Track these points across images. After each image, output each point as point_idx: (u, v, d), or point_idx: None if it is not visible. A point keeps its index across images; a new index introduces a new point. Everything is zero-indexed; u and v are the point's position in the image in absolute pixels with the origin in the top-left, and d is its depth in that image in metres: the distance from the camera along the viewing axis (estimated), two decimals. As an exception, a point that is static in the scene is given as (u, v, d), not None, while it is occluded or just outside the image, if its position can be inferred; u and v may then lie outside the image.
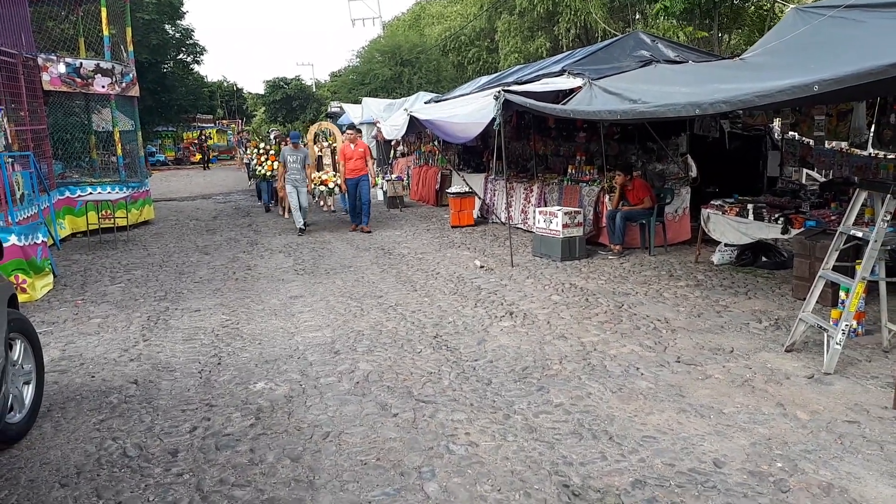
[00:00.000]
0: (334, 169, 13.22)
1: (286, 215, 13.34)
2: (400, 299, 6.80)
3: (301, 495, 3.15)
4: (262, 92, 55.45)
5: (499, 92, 8.07)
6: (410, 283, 7.52)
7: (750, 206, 7.15)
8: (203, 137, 38.69)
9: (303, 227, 11.42)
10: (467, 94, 11.64)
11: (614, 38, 10.12)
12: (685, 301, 6.37)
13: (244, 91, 61.97)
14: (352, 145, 11.32)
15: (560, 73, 8.80)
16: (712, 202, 7.76)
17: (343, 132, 12.43)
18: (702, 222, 7.83)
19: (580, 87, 8.15)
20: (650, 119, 6.84)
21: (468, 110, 9.88)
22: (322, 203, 14.67)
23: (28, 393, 3.96)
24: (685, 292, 6.69)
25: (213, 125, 45.82)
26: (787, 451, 3.41)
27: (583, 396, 4.21)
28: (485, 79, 13.07)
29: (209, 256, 9.66)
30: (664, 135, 9.43)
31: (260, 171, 14.57)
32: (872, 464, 3.26)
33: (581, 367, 4.70)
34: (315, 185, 12.07)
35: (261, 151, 14.77)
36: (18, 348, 3.88)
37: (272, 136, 29.65)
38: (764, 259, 7.58)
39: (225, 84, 57.08)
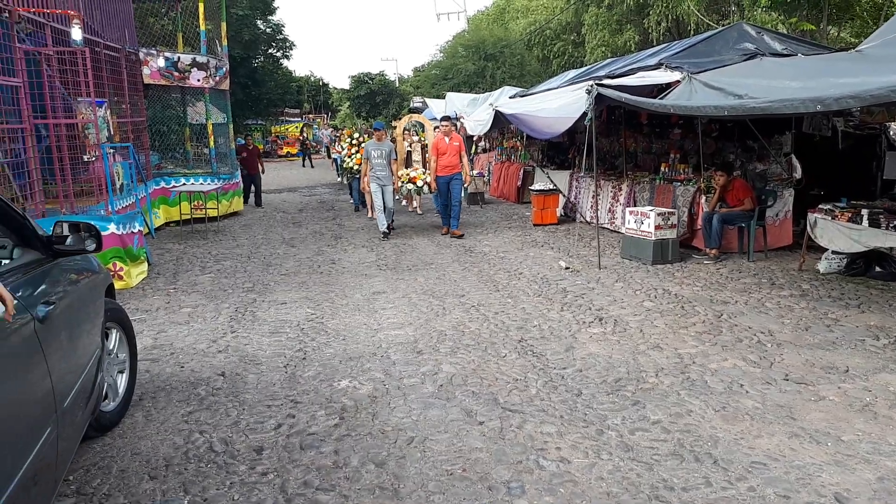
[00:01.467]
0: (424, 166, 12.05)
1: (373, 214, 12.27)
2: (482, 299, 6.64)
3: (386, 505, 3.05)
4: (346, 87, 56.66)
5: (591, 86, 7.77)
6: (493, 282, 7.35)
7: (865, 212, 6.60)
8: (305, 132, 37.03)
9: (386, 230, 10.41)
10: (555, 89, 11.33)
11: (715, 30, 9.59)
12: (790, 312, 5.92)
13: (330, 86, 63.33)
14: (446, 139, 10.18)
15: (657, 67, 8.40)
16: (820, 206, 7.22)
17: (436, 124, 11.39)
18: (808, 227, 7.30)
19: (678, 82, 7.75)
20: (760, 116, 6.39)
21: (556, 105, 9.60)
22: (408, 203, 13.87)
23: (122, 382, 4.03)
24: (790, 303, 6.23)
25: (300, 119, 46.95)
26: (921, 490, 3.05)
27: (682, 414, 3.93)
28: (573, 73, 12.71)
29: (295, 249, 9.79)
30: (767, 133, 8.87)
31: (348, 163, 13.56)
32: None
33: (679, 382, 4.40)
34: (402, 182, 10.90)
35: (353, 142, 13.58)
36: (114, 337, 3.95)
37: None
38: (878, 269, 6.99)
39: (312, 79, 58.46)
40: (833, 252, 7.17)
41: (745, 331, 5.44)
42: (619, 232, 9.55)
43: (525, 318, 5.96)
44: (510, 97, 14.21)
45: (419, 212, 13.44)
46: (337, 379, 4.61)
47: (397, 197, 13.68)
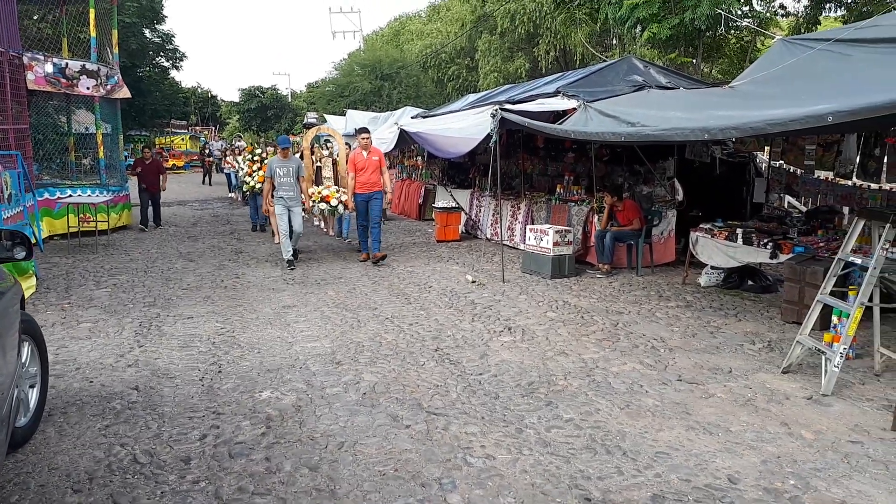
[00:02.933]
0: (336, 182, 11.04)
1: (278, 240, 10.55)
2: (395, 312, 6.79)
3: (324, 505, 3.14)
4: (236, 100, 55.26)
5: (496, 110, 8.17)
6: (404, 295, 7.52)
7: (739, 231, 7.33)
8: (206, 147, 30.95)
9: (291, 258, 9.18)
10: (457, 111, 11.75)
11: (608, 62, 10.33)
12: (678, 321, 6.48)
13: (218, 98, 61.55)
14: (364, 153, 9.24)
15: (554, 94, 8.94)
16: (701, 225, 7.93)
17: (354, 135, 10.38)
18: (690, 245, 7.99)
19: (574, 109, 8.29)
20: (654, 142, 6.98)
21: (461, 126, 9.98)
22: (322, 225, 12.74)
23: (33, 396, 3.87)
24: (676, 313, 6.81)
25: (186, 131, 45.29)
26: (798, 469, 3.50)
27: (592, 412, 4.25)
28: (472, 96, 13.20)
29: (194, 263, 9.53)
30: (652, 158, 9.63)
31: (250, 182, 12.11)
32: (880, 482, 3.36)
33: (586, 384, 4.75)
34: (314, 202, 9.80)
35: (254, 158, 12.39)
36: (26, 351, 3.79)
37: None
38: (750, 282, 7.76)
39: (199, 90, 56.61)
40: (712, 267, 7.88)
41: (640, 338, 5.91)
42: (518, 248, 10.00)
43: (439, 328, 6.17)
44: (412, 117, 14.53)
45: (331, 233, 12.38)
46: (258, 390, 4.61)
47: (312, 218, 12.58)
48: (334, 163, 11.51)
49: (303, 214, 9.54)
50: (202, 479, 3.38)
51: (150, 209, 13.32)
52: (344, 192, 9.82)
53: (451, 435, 3.89)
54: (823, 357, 4.71)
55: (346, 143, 11.42)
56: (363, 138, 9.37)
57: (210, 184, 27.03)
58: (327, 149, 12.02)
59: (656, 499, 3.21)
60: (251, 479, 3.38)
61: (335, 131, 12.10)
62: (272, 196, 9.28)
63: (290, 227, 9.20)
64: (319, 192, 9.95)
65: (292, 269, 9.06)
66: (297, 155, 10.19)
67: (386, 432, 3.93)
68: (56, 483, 3.33)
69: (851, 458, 3.64)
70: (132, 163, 13.91)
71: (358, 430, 3.95)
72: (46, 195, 11.15)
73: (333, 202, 9.82)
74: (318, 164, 11.58)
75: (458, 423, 4.05)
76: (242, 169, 12.56)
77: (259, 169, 11.88)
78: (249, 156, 12.57)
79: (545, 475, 3.43)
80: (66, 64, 11.44)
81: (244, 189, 12.65)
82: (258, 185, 11.78)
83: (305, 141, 11.02)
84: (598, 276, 8.67)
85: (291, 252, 9.22)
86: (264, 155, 12.24)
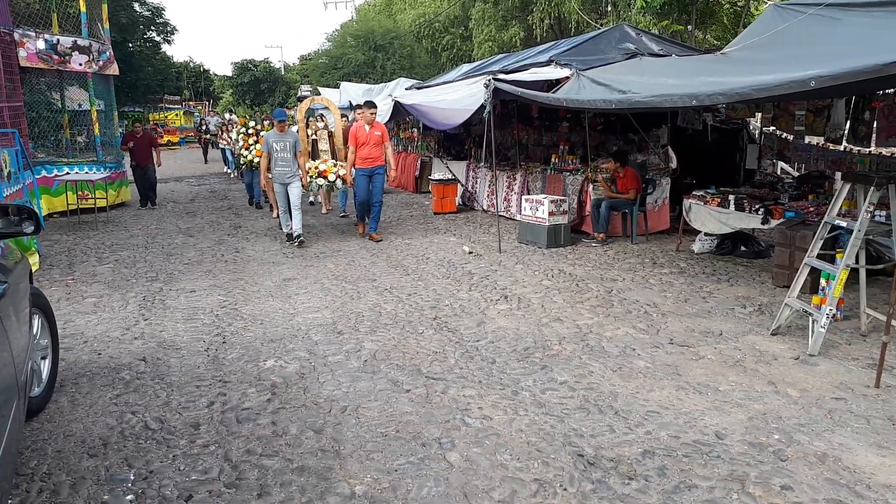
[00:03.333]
0: (333, 156, 10.51)
1: (276, 214, 10.48)
2: (394, 283, 6.92)
3: (329, 464, 3.28)
4: (229, 74, 54.87)
5: (489, 80, 8.21)
6: (402, 267, 7.64)
7: (731, 198, 7.43)
8: (203, 124, 28.44)
9: (295, 234, 8.90)
10: (451, 82, 11.75)
11: (600, 30, 10.33)
12: (671, 287, 6.62)
13: (211, 72, 61.05)
14: (367, 127, 8.92)
15: (547, 63, 8.98)
16: (694, 193, 8.03)
17: (352, 109, 10.01)
18: (683, 212, 8.10)
19: (567, 78, 8.34)
20: (644, 109, 7.05)
21: (455, 97, 10.01)
22: (322, 204, 12.27)
23: (45, 367, 4.00)
24: (670, 279, 6.94)
25: (179, 107, 44.98)
26: (782, 425, 3.65)
27: (585, 375, 4.40)
28: (466, 66, 13.19)
29: (194, 238, 9.63)
30: (646, 126, 9.69)
31: (247, 156, 11.59)
32: (861, 436, 3.52)
33: (580, 348, 4.90)
34: (312, 177, 9.39)
35: (249, 131, 11.72)
36: (36, 323, 3.91)
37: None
38: (743, 248, 7.88)
39: (191, 65, 56.11)
40: (705, 234, 8.00)
41: (634, 303, 6.05)
42: (514, 219, 10.10)
43: (437, 298, 6.30)
44: (406, 89, 14.51)
45: (325, 210, 12.05)
46: (262, 359, 4.75)
47: (311, 199, 12.62)
48: (330, 135, 11.03)
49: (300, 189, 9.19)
50: (212, 443, 3.52)
51: (147, 186, 12.95)
52: (342, 167, 9.49)
53: (450, 398, 4.04)
54: (811, 319, 4.85)
55: (343, 115, 11.21)
56: (371, 113, 8.98)
57: (206, 161, 25.60)
58: (322, 121, 11.56)
59: (646, 454, 3.36)
60: (259, 441, 3.52)
61: (330, 101, 11.59)
62: (269, 171, 9.03)
63: (289, 202, 8.94)
64: (316, 167, 9.52)
65: (294, 244, 8.82)
66: (294, 129, 9.69)
67: (387, 396, 4.07)
68: (72, 448, 3.47)
69: (835, 413, 3.79)
70: (123, 137, 13.44)
71: (360, 395, 4.09)
72: (44, 173, 11.19)
73: (331, 177, 9.44)
74: (314, 136, 11.09)
75: (456, 387, 4.20)
76: (238, 143, 11.83)
77: (256, 142, 11.30)
78: (243, 129, 11.92)
79: (540, 434, 3.58)
80: (58, 40, 11.39)
81: (241, 163, 12.12)
82: (256, 160, 11.26)
83: (300, 113, 10.43)
84: (594, 244, 8.79)
85: (292, 227, 8.95)
86: (259, 128, 11.64)
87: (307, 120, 10.85)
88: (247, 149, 11.59)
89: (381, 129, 9.10)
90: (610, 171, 8.88)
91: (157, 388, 4.25)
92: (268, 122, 11.63)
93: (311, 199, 12.75)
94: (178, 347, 5.03)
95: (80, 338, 5.25)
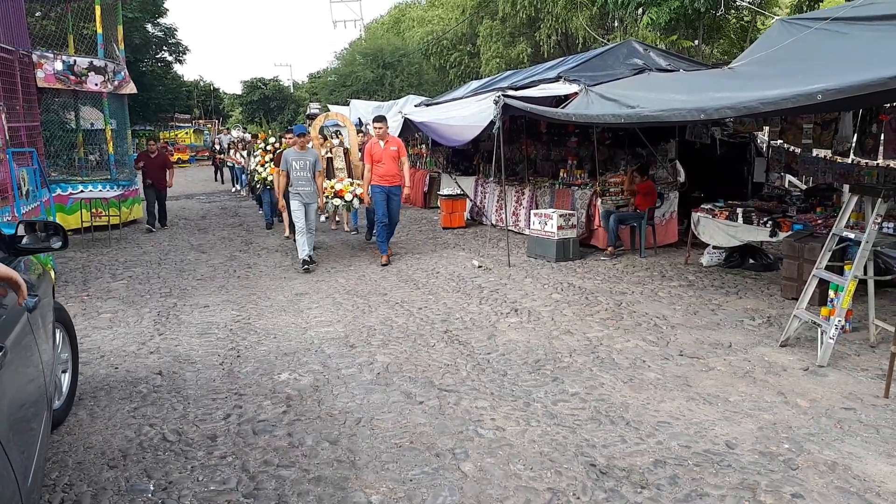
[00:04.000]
0: (349, 174, 10.25)
1: (290, 234, 10.37)
2: (404, 297, 6.98)
3: (345, 474, 3.34)
4: (239, 92, 55.43)
5: (499, 96, 8.31)
6: (412, 281, 7.71)
7: (739, 210, 7.47)
8: (216, 143, 27.52)
9: (308, 258, 8.37)
10: (460, 99, 11.87)
11: (608, 46, 10.44)
12: (680, 300, 6.65)
13: (221, 91, 61.70)
14: (381, 143, 8.52)
15: (556, 80, 9.07)
16: (702, 206, 8.07)
17: (360, 126, 9.88)
18: (692, 225, 8.14)
19: (576, 93, 8.44)
20: (653, 124, 7.13)
21: (464, 113, 10.11)
22: (334, 222, 11.99)
23: (66, 381, 4.08)
24: (679, 292, 6.98)
25: (189, 125, 45.47)
26: (792, 435, 3.68)
27: (596, 386, 4.44)
28: (475, 83, 13.30)
29: (206, 255, 9.75)
30: (654, 141, 9.77)
31: (260, 174, 11.29)
32: (871, 445, 3.55)
33: (591, 360, 4.94)
34: (328, 197, 8.98)
35: (267, 147, 11.46)
36: (58, 337, 4.00)
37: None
38: (751, 261, 7.91)
39: (201, 83, 56.74)
40: (714, 247, 8.03)
41: (643, 316, 6.09)
42: (523, 233, 10.17)
43: (447, 311, 6.36)
44: (415, 105, 14.65)
45: (347, 229, 11.69)
46: (276, 372, 4.82)
47: (324, 218, 12.01)
48: (346, 152, 10.62)
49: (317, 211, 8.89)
50: (229, 454, 3.59)
51: (157, 207, 12.49)
52: (358, 185, 9.13)
53: (463, 409, 4.09)
54: (819, 330, 4.88)
55: (360, 131, 10.99)
56: (377, 127, 8.64)
57: (222, 181, 24.13)
58: (338, 137, 11.02)
59: (658, 464, 3.40)
60: (275, 453, 3.59)
61: (344, 116, 11.22)
62: (287, 190, 8.55)
63: (306, 224, 8.41)
64: (332, 187, 9.16)
65: (308, 271, 8.27)
66: (310, 146, 9.04)
67: (400, 408, 4.13)
68: (92, 460, 3.54)
69: (844, 423, 3.82)
70: (135, 157, 13.34)
71: (374, 407, 4.15)
72: (59, 191, 11.36)
73: (348, 196, 9.10)
74: (329, 154, 10.51)
75: (468, 399, 4.25)
76: (256, 158, 11.51)
77: (272, 160, 10.94)
78: (262, 144, 11.60)
79: (552, 444, 3.62)
80: (75, 61, 11.62)
81: (255, 180, 11.55)
82: (270, 178, 11.02)
83: (314, 130, 10.19)
84: (602, 258, 8.83)
85: (307, 253, 8.39)
86: (277, 145, 11.33)
87: (322, 138, 10.65)
88: (262, 165, 11.40)
89: (396, 143, 8.73)
90: (635, 183, 8.83)
91: (174, 401, 4.32)
92: (286, 138, 10.83)
93: (324, 217, 12.17)
94: (193, 361, 5.11)
95: (96, 352, 5.34)
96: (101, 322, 6.25)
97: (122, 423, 4.01)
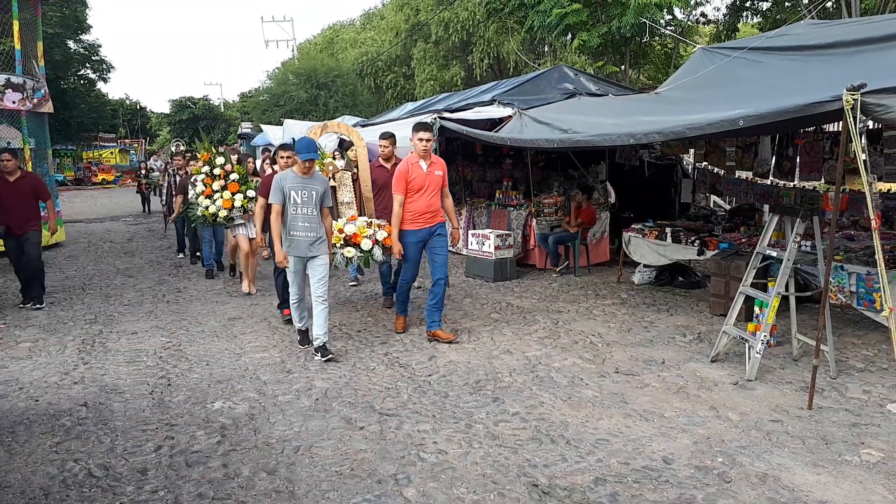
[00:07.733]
0: (359, 210, 7.00)
1: (248, 286, 8.18)
2: (343, 319, 6.89)
3: (285, 505, 3.24)
4: (167, 111, 54.05)
5: (434, 118, 8.37)
6: (350, 303, 7.62)
7: (668, 230, 7.73)
8: (143, 168, 23.53)
9: (317, 341, 5.51)
10: (396, 120, 11.87)
11: (540, 71, 10.69)
12: (614, 318, 6.81)
13: (148, 110, 59.98)
14: (422, 163, 5.88)
15: (490, 103, 9.21)
16: (633, 226, 8.31)
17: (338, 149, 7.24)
18: (623, 245, 8.37)
19: (510, 117, 8.59)
20: (585, 147, 7.31)
21: (400, 135, 10.10)
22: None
23: (-20, 416, 3.81)
24: (613, 310, 7.14)
25: (115, 144, 43.97)
26: (725, 448, 3.80)
27: (536, 405, 4.48)
28: (411, 105, 13.36)
29: (133, 279, 9.39)
30: (585, 163, 10.03)
31: (202, 208, 7.98)
32: (798, 455, 3.69)
33: (530, 379, 4.98)
34: (336, 246, 6.03)
35: (213, 173, 8.08)
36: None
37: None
38: (680, 279, 8.19)
39: (128, 102, 55.05)
40: (644, 266, 8.28)
41: (579, 334, 6.20)
42: (461, 253, 10.21)
43: (387, 333, 6.31)
44: (352, 125, 14.56)
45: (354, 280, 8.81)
46: (209, 401, 4.66)
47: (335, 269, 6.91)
48: (354, 180, 7.12)
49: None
50: (161, 488, 3.43)
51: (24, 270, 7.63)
52: (378, 225, 6.28)
53: (404, 433, 4.05)
54: (747, 345, 5.07)
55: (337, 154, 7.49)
56: (423, 139, 5.84)
57: (150, 211, 20.48)
58: (342, 158, 7.28)
59: (598, 482, 3.44)
60: (210, 485, 3.45)
61: (352, 129, 7.84)
62: (276, 233, 5.55)
63: (302, 286, 5.75)
64: (340, 230, 6.14)
65: (317, 355, 5.51)
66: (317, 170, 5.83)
67: (340, 434, 4.05)
68: (10, 501, 3.32)
69: (772, 435, 3.97)
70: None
71: (313, 434, 4.06)
72: (-28, 213, 10.70)
73: (365, 244, 6.08)
74: (332, 182, 6.74)
75: (410, 423, 4.21)
76: (196, 187, 8.06)
77: (224, 188, 8.01)
78: (206, 168, 8.14)
79: (495, 466, 3.62)
80: (-10, 78, 11.06)
81: (197, 214, 8.15)
82: (222, 214, 7.94)
83: (325, 141, 7.51)
84: (555, 275, 8.99)
85: (309, 324, 5.78)
86: (228, 167, 8.15)
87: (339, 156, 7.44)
88: (208, 196, 8.00)
89: (441, 166, 6.06)
90: (575, 204, 9.01)
91: (101, 434, 4.11)
92: (281, 157, 6.54)
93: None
94: (121, 391, 4.89)
95: (14, 384, 5.03)
96: (19, 352, 5.91)
97: (44, 458, 3.78)
